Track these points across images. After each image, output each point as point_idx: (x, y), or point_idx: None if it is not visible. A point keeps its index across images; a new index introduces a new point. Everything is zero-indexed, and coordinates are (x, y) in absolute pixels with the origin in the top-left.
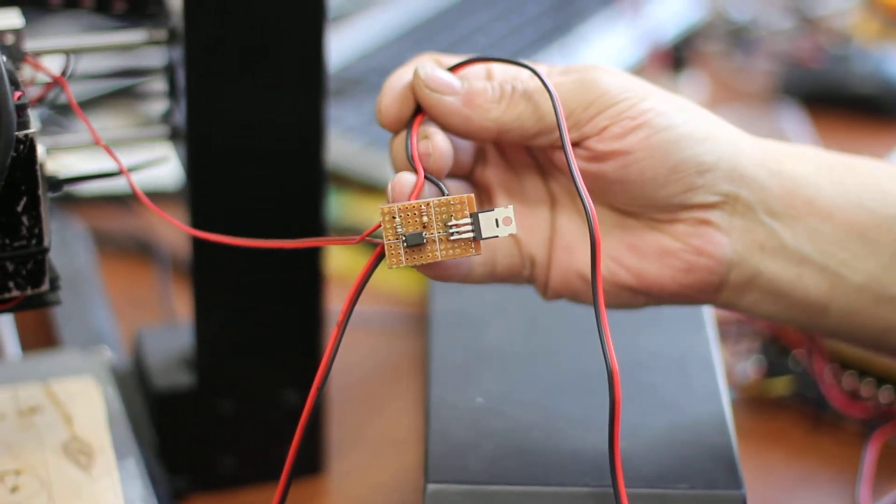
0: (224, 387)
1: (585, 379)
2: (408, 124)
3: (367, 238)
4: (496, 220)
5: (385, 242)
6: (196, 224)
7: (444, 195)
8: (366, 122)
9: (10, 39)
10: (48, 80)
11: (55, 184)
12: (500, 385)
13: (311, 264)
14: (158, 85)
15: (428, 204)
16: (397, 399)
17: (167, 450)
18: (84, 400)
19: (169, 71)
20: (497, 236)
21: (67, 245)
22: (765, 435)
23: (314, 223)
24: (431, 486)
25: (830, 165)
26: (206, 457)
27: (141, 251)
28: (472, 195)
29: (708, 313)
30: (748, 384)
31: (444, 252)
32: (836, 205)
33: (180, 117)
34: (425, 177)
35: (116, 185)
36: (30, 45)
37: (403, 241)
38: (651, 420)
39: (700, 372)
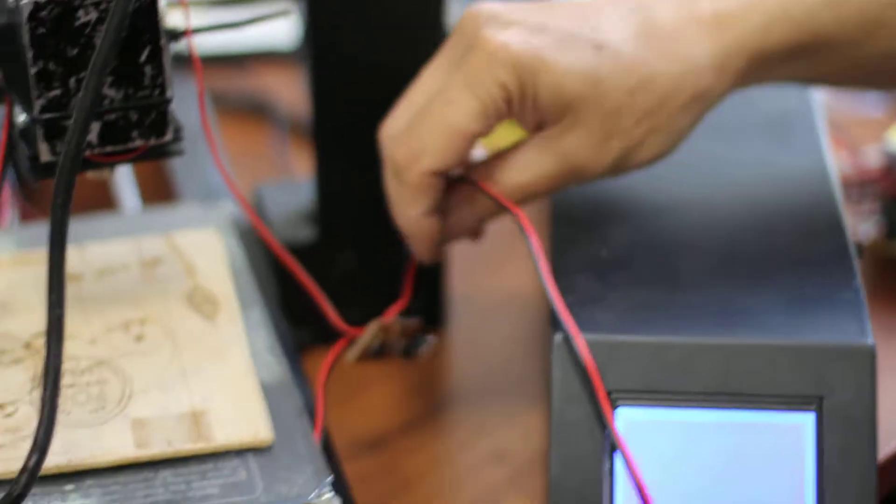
0: (345, 240)
1: (711, 233)
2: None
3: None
4: (427, 343)
5: (360, 346)
6: (316, 80)
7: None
8: None
9: None
10: None
11: (176, 36)
12: (623, 238)
13: None
14: None
15: (396, 322)
16: (519, 258)
17: (289, 303)
18: (207, 251)
19: None
20: (422, 353)
21: (184, 104)
22: (887, 294)
23: None
24: (559, 336)
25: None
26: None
27: (256, 111)
28: (421, 320)
29: (833, 173)
30: (869, 244)
31: (386, 354)
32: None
33: None
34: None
35: (232, 43)
36: None
37: (371, 349)
38: (780, 275)
39: (827, 228)
